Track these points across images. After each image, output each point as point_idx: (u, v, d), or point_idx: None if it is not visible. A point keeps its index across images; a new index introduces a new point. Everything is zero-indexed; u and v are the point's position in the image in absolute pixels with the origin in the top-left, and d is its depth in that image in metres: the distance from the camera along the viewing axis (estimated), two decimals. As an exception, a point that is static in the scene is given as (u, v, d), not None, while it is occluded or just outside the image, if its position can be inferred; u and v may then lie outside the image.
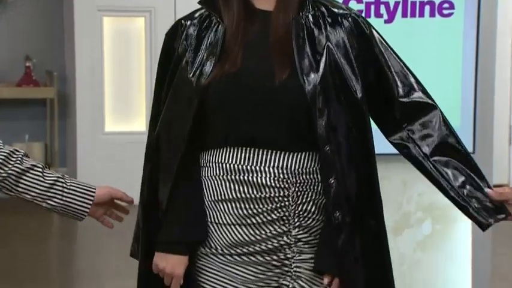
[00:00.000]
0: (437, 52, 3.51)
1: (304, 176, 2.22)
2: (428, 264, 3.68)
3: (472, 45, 3.50)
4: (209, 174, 2.24)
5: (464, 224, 3.65)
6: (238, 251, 2.23)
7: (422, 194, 3.67)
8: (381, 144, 3.15)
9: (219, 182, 2.23)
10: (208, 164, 2.25)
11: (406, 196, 3.67)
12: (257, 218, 2.21)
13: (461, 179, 2.29)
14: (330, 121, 2.18)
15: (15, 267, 5.75)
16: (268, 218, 2.21)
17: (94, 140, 7.77)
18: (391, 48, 2.33)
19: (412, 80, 2.32)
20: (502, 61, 7.13)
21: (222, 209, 2.22)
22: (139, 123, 7.85)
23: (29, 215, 7.22)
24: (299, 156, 2.21)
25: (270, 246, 2.22)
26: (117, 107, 7.89)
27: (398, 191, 3.65)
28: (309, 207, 2.23)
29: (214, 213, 2.24)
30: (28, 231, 6.78)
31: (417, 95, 2.31)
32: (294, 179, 2.21)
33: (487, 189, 2.28)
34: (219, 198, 2.23)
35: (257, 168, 2.19)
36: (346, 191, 2.21)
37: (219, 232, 2.24)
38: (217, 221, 2.23)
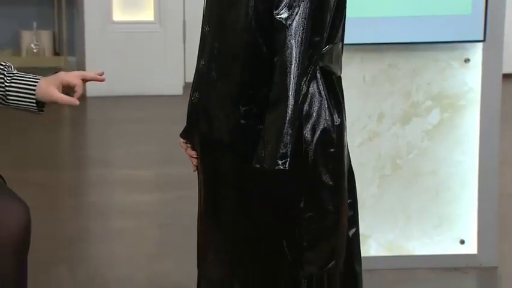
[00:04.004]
0: None
1: None
2: (434, 151, 3.70)
3: None
4: None
5: (473, 112, 3.66)
6: None
7: (431, 82, 3.66)
8: (389, 33, 3.12)
9: None
10: None
11: (415, 85, 3.66)
12: None
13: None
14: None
15: (28, 154, 5.84)
16: None
17: (102, 29, 7.71)
18: None
19: None
20: None
21: None
22: (147, 12, 7.78)
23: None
24: None
25: None
26: (125, -5, 7.81)
27: (407, 80, 3.64)
28: None
29: None
30: (44, 121, 6.82)
31: None
32: None
33: None
34: None
35: None
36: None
37: None
38: None
